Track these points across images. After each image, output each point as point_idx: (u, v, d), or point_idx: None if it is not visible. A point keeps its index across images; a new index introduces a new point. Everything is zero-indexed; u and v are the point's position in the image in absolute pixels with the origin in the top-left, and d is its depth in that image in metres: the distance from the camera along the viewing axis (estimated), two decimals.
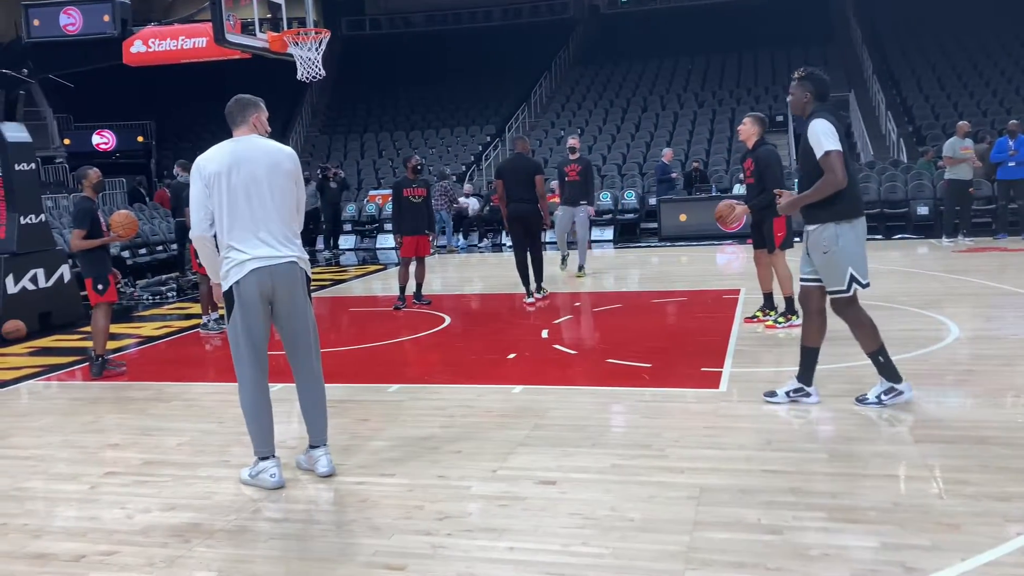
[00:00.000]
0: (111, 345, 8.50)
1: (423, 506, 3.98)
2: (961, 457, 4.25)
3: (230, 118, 4.41)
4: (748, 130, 7.59)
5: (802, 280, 5.20)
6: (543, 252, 10.14)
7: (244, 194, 4.18)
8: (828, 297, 5.09)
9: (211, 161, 4.23)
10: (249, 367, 4.30)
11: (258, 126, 4.39)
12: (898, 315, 8.01)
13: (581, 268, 11.92)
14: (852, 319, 5.09)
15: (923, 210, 15.99)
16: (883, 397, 5.08)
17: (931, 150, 17.90)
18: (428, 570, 3.33)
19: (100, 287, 7.15)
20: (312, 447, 4.49)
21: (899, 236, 15.54)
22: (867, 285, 5.03)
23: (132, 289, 12.81)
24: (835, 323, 7.57)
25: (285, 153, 4.38)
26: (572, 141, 12.11)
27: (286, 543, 3.68)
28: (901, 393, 5.07)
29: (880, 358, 5.07)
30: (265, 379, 4.36)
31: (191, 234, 4.38)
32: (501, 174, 9.99)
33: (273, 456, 4.36)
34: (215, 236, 4.28)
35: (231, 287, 4.23)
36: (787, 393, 5.26)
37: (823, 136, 4.82)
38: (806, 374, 5.24)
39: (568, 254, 12.40)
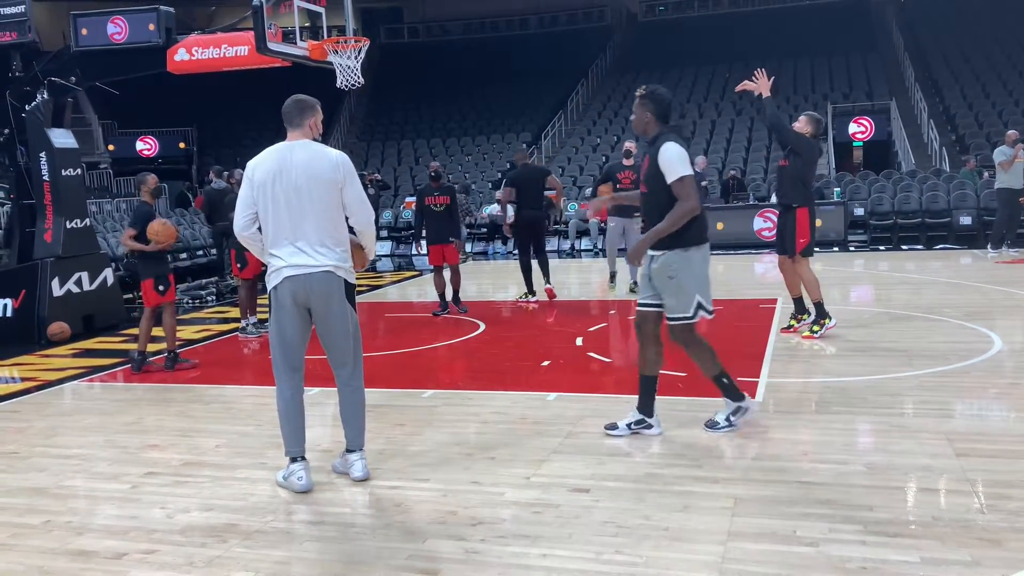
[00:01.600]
0: (151, 347, 8.66)
1: (457, 511, 3.99)
2: (1003, 472, 4.17)
3: (287, 118, 4.44)
4: (804, 127, 7.51)
5: (639, 305, 5.00)
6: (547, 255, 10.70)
7: (285, 202, 4.25)
8: (667, 322, 4.87)
9: (259, 167, 4.34)
10: (282, 369, 4.41)
11: (313, 129, 4.44)
12: (941, 327, 7.88)
13: (636, 284, 11.35)
14: (693, 346, 4.93)
15: (965, 220, 15.72)
16: (732, 418, 4.96)
17: (973, 159, 17.60)
18: (460, 574, 3.35)
19: (161, 288, 7.45)
20: (348, 451, 4.54)
21: (940, 246, 15.28)
22: (712, 313, 4.88)
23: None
24: (869, 334, 7.47)
25: (330, 160, 4.34)
26: (628, 145, 11.01)
27: (322, 545, 3.72)
28: (747, 409, 4.98)
29: (724, 380, 4.95)
30: (297, 382, 4.44)
31: (236, 231, 4.47)
32: (515, 182, 10.50)
33: (302, 459, 4.42)
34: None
35: (271, 291, 4.35)
36: (628, 425, 5.00)
37: (677, 161, 4.67)
38: (647, 404, 5.00)
39: (616, 270, 11.45)
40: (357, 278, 4.55)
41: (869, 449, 4.65)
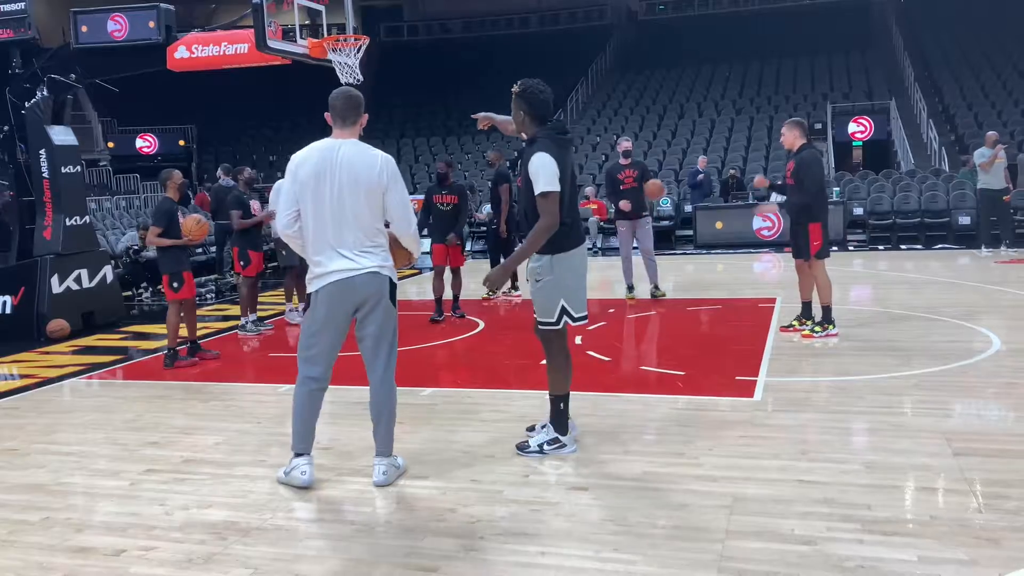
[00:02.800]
0: (151, 345, 8.67)
1: (456, 509, 4.00)
2: (1001, 471, 4.18)
3: (337, 114, 4.37)
4: (789, 136, 7.55)
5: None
6: None
7: (328, 204, 4.20)
8: (537, 326, 4.74)
9: (304, 165, 4.27)
10: (309, 366, 4.37)
11: (361, 126, 4.42)
12: (939, 326, 7.89)
13: (657, 287, 10.26)
14: (553, 356, 4.72)
15: (964, 220, 15.72)
16: (546, 447, 4.70)
17: (971, 159, 17.61)
18: (460, 573, 3.36)
19: (175, 285, 7.48)
20: (379, 455, 4.45)
21: (940, 246, 15.29)
22: (580, 319, 4.67)
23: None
24: (868, 333, 7.48)
25: (375, 163, 4.27)
26: (624, 144, 10.45)
27: (321, 543, 3.72)
28: (564, 446, 4.70)
29: (561, 405, 4.73)
30: (322, 382, 4.39)
31: (277, 228, 4.46)
32: (508, 179, 10.54)
33: (307, 454, 4.42)
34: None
35: (313, 293, 4.34)
36: (540, 446, 4.76)
37: (541, 174, 4.39)
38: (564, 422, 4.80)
39: (634, 283, 10.33)
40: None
41: (867, 448, 4.66)
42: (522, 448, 4.76)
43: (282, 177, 9.93)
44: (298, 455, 4.41)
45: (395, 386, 4.46)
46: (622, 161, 10.24)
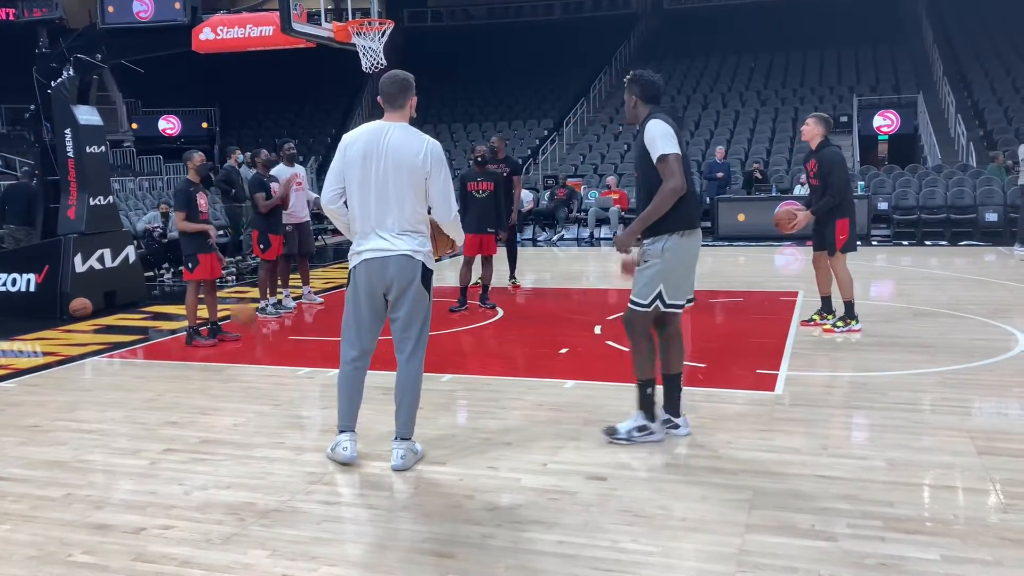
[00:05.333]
0: (171, 325, 8.73)
1: (473, 496, 3.99)
2: None
3: (387, 97, 4.41)
4: (811, 131, 7.43)
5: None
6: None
7: (372, 185, 4.27)
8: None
9: (353, 144, 4.35)
10: (348, 345, 4.45)
11: (411, 109, 4.45)
12: (964, 324, 7.79)
13: None
14: (636, 338, 4.63)
15: (992, 216, 15.52)
16: (634, 434, 4.63)
17: (1001, 154, 17.36)
18: (476, 559, 3.35)
19: (190, 266, 7.61)
20: (397, 438, 4.46)
21: (965, 243, 15.10)
22: (672, 306, 4.54)
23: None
24: (891, 329, 7.40)
25: (421, 148, 4.31)
26: None
27: (338, 525, 3.73)
28: (652, 433, 4.62)
29: (648, 390, 4.63)
30: (360, 360, 4.45)
31: (322, 204, 4.52)
32: (520, 170, 10.52)
33: (350, 431, 4.48)
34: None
35: (350, 270, 4.43)
36: (628, 432, 4.72)
37: (660, 138, 4.36)
38: (674, 404, 4.77)
39: None
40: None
41: (889, 445, 4.60)
42: (610, 433, 4.69)
43: (294, 160, 9.92)
44: (341, 431, 4.48)
45: (422, 371, 4.48)
46: None
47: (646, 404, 4.66)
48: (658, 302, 4.52)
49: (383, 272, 4.30)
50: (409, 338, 4.40)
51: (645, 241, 4.54)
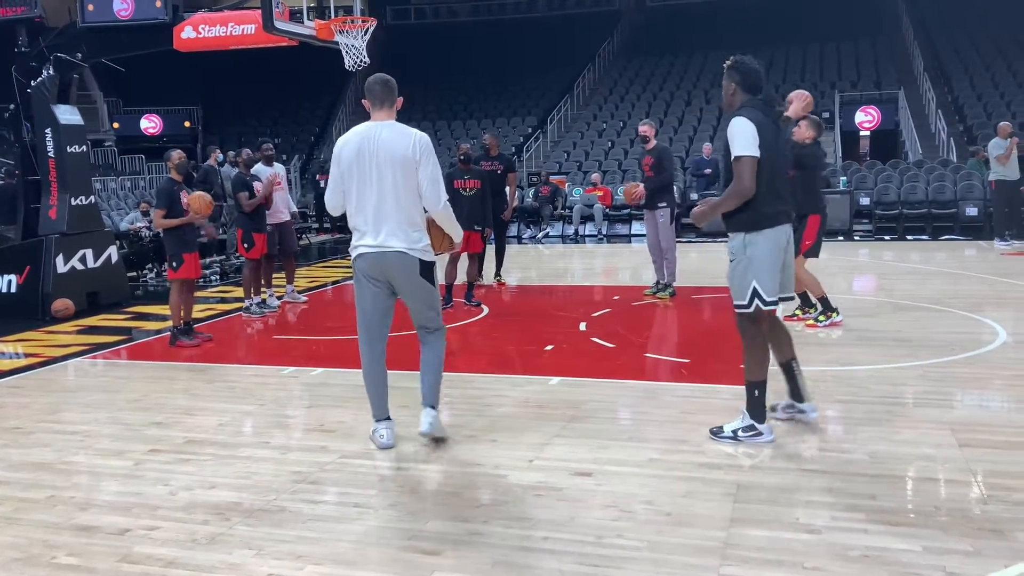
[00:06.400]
0: (155, 325, 8.69)
1: (460, 493, 4.00)
2: (1006, 463, 4.17)
3: (373, 97, 4.57)
4: (802, 133, 7.39)
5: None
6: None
7: (369, 181, 4.45)
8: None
9: (346, 147, 4.52)
10: (363, 339, 4.67)
11: (396, 109, 4.61)
12: (945, 317, 7.86)
13: (668, 286, 9.45)
14: (748, 339, 4.60)
15: (972, 211, 15.66)
16: (740, 434, 4.58)
17: (981, 149, 17.50)
18: (463, 556, 3.36)
19: (174, 265, 7.60)
20: (426, 406, 4.69)
21: (946, 237, 15.24)
22: (772, 303, 4.52)
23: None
24: (873, 324, 7.46)
25: (408, 141, 4.48)
26: (643, 128, 9.55)
27: (324, 524, 3.73)
28: (760, 434, 4.56)
29: (756, 392, 4.58)
30: (377, 349, 4.65)
31: (328, 207, 4.71)
32: (514, 167, 10.39)
33: (386, 419, 4.70)
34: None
35: (352, 263, 4.62)
36: (784, 409, 4.87)
37: (737, 138, 4.37)
38: (796, 390, 4.81)
39: (662, 278, 9.53)
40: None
41: (872, 438, 4.64)
42: (716, 433, 4.65)
43: (272, 160, 9.88)
44: (377, 420, 4.69)
45: (444, 346, 4.77)
46: (643, 146, 9.66)
47: (754, 405, 4.59)
48: (757, 300, 4.50)
49: (383, 265, 4.49)
50: (428, 318, 4.67)
51: (729, 237, 4.60)
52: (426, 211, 4.61)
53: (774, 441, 4.58)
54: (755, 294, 4.49)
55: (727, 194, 4.45)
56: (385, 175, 4.42)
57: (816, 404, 4.82)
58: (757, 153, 4.36)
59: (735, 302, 4.60)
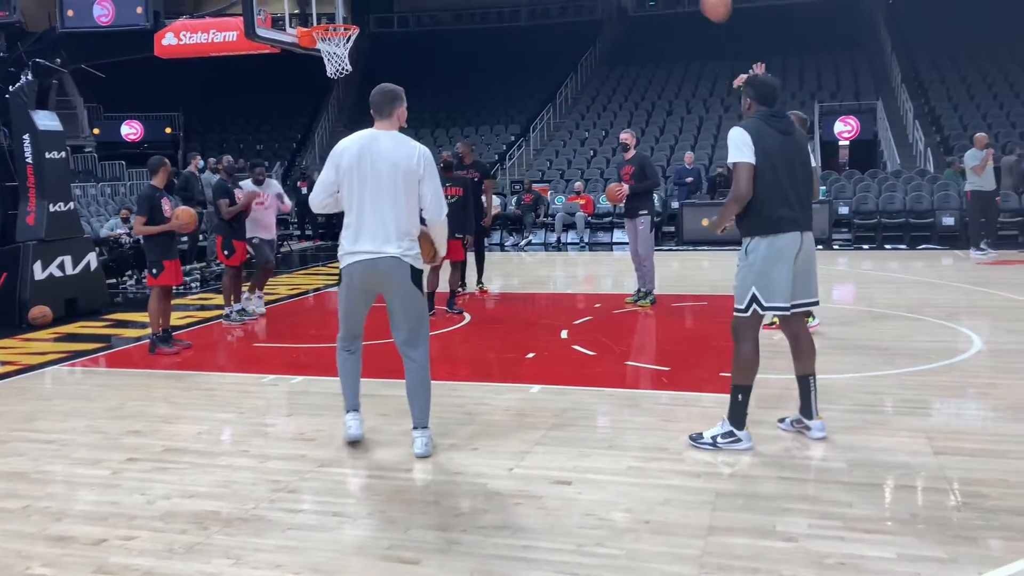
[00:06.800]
0: (134, 333, 8.63)
1: (438, 502, 4.00)
2: (980, 470, 4.21)
3: (376, 108, 4.64)
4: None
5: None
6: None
7: (368, 189, 4.49)
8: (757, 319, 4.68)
9: (346, 153, 4.56)
10: (343, 335, 4.80)
11: (400, 119, 4.67)
12: (921, 326, 7.95)
13: (648, 294, 9.40)
14: (739, 343, 4.66)
15: (948, 220, 15.84)
16: (719, 440, 4.62)
17: (958, 160, 17.72)
18: (442, 565, 3.35)
19: (154, 271, 7.55)
20: (413, 427, 4.72)
21: (924, 246, 15.41)
22: (776, 309, 4.55)
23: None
24: (851, 332, 7.52)
25: (413, 152, 4.55)
26: (624, 136, 9.59)
27: (303, 533, 3.71)
28: (739, 440, 4.60)
29: (739, 397, 4.63)
30: (353, 346, 4.82)
31: (312, 203, 4.76)
32: (489, 173, 10.40)
33: (355, 410, 4.82)
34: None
35: (342, 268, 4.66)
36: (791, 423, 4.89)
37: (732, 146, 4.53)
38: (806, 406, 4.82)
39: (645, 287, 9.47)
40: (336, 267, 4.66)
41: (849, 446, 4.68)
42: (695, 439, 4.69)
43: (262, 168, 9.86)
44: (347, 411, 4.81)
45: (429, 362, 4.75)
46: (624, 155, 9.63)
47: (735, 411, 4.64)
48: (755, 305, 4.56)
49: (374, 273, 4.55)
50: (414, 333, 4.66)
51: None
52: (423, 222, 4.69)
53: (752, 448, 4.61)
54: (753, 299, 4.56)
55: (727, 201, 4.61)
56: (385, 184, 4.48)
57: (824, 424, 4.78)
58: (752, 159, 4.47)
59: (734, 305, 4.68)
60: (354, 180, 4.50)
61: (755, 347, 4.68)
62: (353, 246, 4.55)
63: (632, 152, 9.47)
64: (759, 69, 5.17)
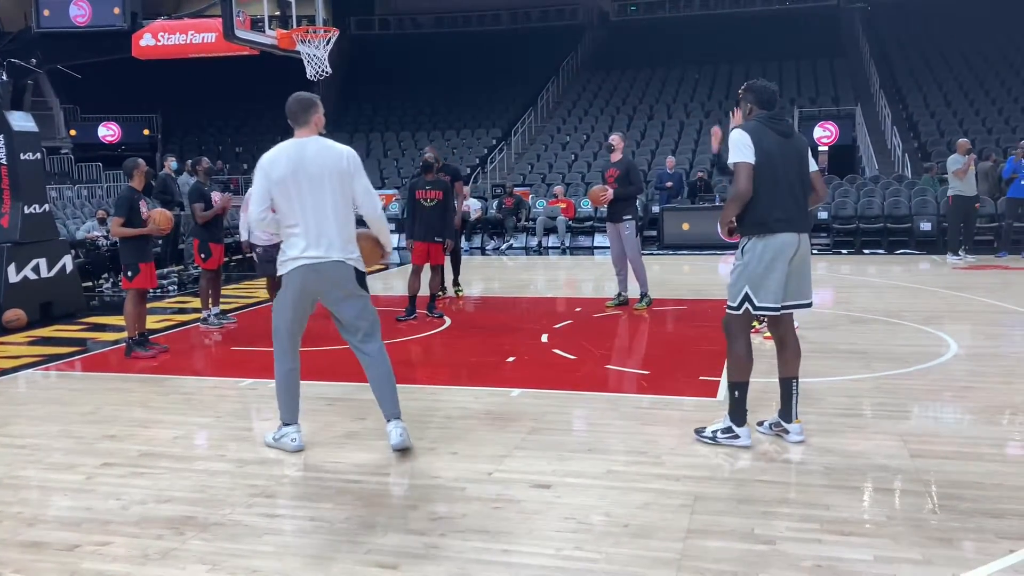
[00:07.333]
0: (110, 336, 8.54)
1: (417, 506, 3.98)
2: (956, 473, 4.25)
3: (293, 117, 4.70)
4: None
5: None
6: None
7: (304, 196, 4.55)
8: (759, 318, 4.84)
9: (276, 165, 4.60)
10: (286, 345, 4.77)
11: (318, 125, 4.71)
12: (899, 330, 8.01)
13: (643, 296, 9.45)
14: (731, 341, 4.75)
15: (926, 226, 15.99)
16: (719, 435, 4.73)
17: (935, 166, 17.91)
18: (421, 570, 3.34)
19: (129, 274, 7.51)
20: (386, 420, 4.75)
21: (901, 251, 15.55)
22: (767, 309, 4.60)
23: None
24: (829, 336, 7.58)
25: (340, 155, 4.65)
26: (613, 139, 9.59)
27: (280, 538, 3.68)
28: (738, 437, 4.69)
29: (736, 393, 4.71)
30: (295, 361, 4.80)
31: (251, 220, 4.79)
32: (460, 175, 10.35)
33: (295, 423, 4.80)
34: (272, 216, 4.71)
35: (284, 276, 4.69)
36: (770, 426, 4.91)
37: (732, 147, 4.60)
38: (786, 409, 4.82)
39: (624, 291, 9.63)
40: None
41: (827, 449, 4.71)
42: (699, 432, 4.82)
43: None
44: (286, 424, 4.79)
45: (385, 351, 4.83)
46: (611, 157, 9.53)
47: (734, 408, 4.73)
48: (747, 304, 4.62)
49: (318, 278, 4.59)
50: (369, 332, 4.74)
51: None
52: (359, 223, 4.77)
53: (751, 446, 4.66)
54: (746, 298, 4.62)
55: (728, 200, 4.66)
56: (322, 189, 4.55)
57: (803, 428, 4.81)
58: (751, 159, 4.53)
59: (727, 303, 4.74)
60: (290, 190, 4.54)
61: (747, 344, 4.76)
62: (297, 252, 4.58)
63: (619, 155, 9.45)
64: (735, 119, 5.19)
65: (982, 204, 14.61)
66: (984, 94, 22.79)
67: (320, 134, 4.72)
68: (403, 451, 4.67)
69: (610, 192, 9.19)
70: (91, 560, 3.48)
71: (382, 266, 14.17)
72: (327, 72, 9.47)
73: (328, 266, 4.58)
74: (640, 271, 9.46)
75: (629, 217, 9.34)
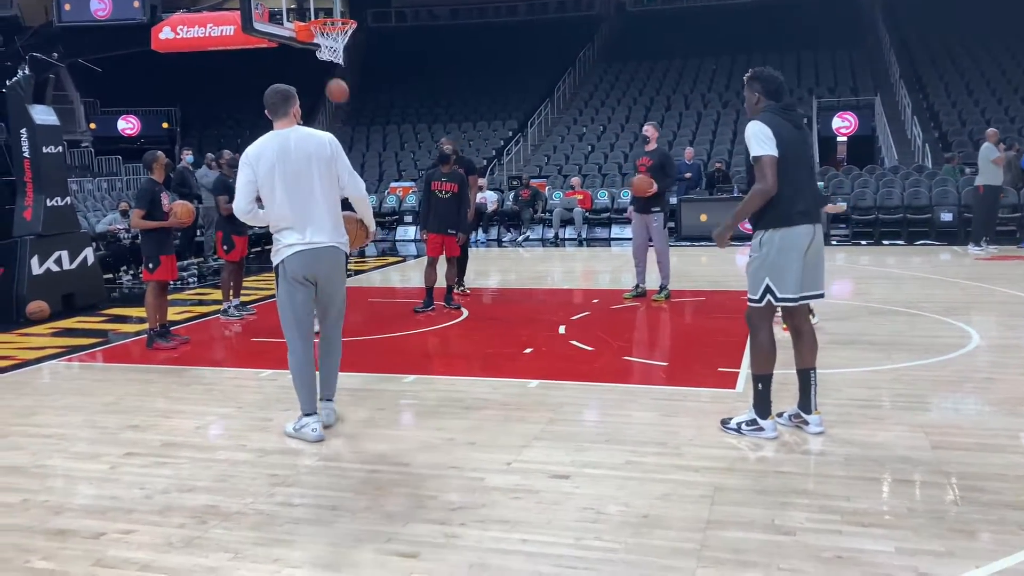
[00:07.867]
0: (131, 328, 8.62)
1: (436, 496, 4.00)
2: (978, 465, 4.22)
3: (272, 109, 4.84)
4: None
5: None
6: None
7: (292, 185, 4.68)
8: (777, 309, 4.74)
9: (261, 157, 4.71)
10: (296, 335, 4.84)
11: (296, 116, 4.86)
12: (919, 321, 7.96)
13: (663, 288, 9.48)
14: (755, 334, 4.72)
15: (947, 216, 15.86)
16: (744, 427, 4.72)
17: (956, 156, 17.73)
18: (441, 559, 3.36)
19: (150, 266, 7.58)
20: (325, 400, 5.03)
21: (921, 242, 15.42)
22: (788, 300, 4.58)
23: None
24: (848, 327, 7.54)
25: (322, 141, 4.81)
26: (646, 129, 9.50)
27: (301, 527, 3.72)
28: (763, 429, 4.68)
29: (760, 386, 4.71)
30: (310, 345, 4.90)
31: (237, 214, 4.84)
32: (475, 169, 10.31)
33: (315, 413, 4.88)
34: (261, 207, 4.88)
35: (279, 264, 4.80)
36: (789, 417, 4.89)
37: (754, 139, 4.51)
38: (805, 400, 4.82)
39: (642, 283, 9.58)
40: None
41: (847, 440, 4.69)
42: (724, 423, 4.85)
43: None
44: (307, 414, 4.85)
45: (341, 340, 5.08)
46: (646, 147, 9.43)
47: (758, 400, 4.73)
48: (769, 296, 4.60)
49: (315, 262, 4.74)
50: (339, 317, 5.01)
51: (753, 235, 4.68)
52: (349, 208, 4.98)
53: (776, 438, 4.66)
54: (767, 290, 4.60)
55: (751, 193, 4.56)
56: (309, 176, 4.68)
57: (822, 419, 4.79)
58: (775, 152, 4.48)
59: (748, 296, 4.71)
60: (276, 181, 4.65)
61: (771, 336, 4.74)
62: (289, 239, 4.70)
63: (653, 145, 9.39)
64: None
65: (1005, 194, 14.44)
66: (1007, 83, 22.51)
67: (298, 124, 4.86)
68: (327, 427, 4.92)
69: (655, 185, 9.12)
70: (116, 548, 3.53)
71: (400, 259, 14.21)
72: (338, 59, 9.48)
73: (322, 251, 4.73)
74: (665, 263, 9.46)
75: (659, 209, 9.30)
